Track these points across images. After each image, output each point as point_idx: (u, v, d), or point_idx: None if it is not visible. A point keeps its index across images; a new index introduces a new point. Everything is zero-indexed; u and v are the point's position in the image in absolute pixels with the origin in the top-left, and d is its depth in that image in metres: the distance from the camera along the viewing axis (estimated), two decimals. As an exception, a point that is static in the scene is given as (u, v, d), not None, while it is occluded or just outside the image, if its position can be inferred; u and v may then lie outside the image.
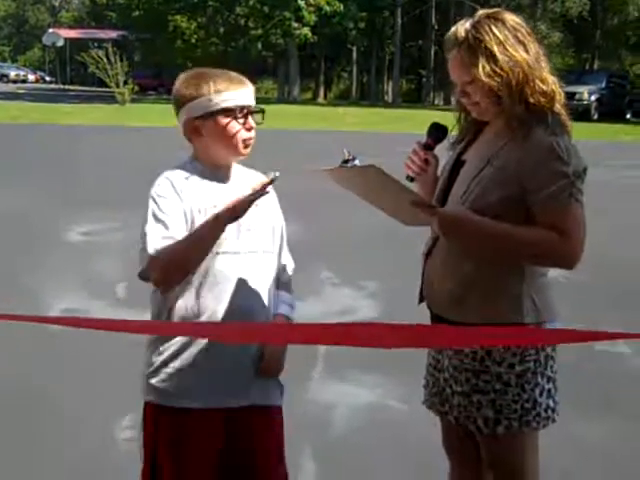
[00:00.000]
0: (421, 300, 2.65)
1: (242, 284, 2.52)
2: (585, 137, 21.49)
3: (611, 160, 16.09)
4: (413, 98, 51.57)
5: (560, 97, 2.43)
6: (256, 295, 2.55)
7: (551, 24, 43.39)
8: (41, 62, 77.85)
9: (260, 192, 2.38)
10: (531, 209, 2.35)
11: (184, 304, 2.51)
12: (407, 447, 3.91)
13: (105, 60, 33.25)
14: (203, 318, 2.50)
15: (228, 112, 2.49)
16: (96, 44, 35.35)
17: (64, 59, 64.28)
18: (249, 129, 2.53)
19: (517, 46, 2.38)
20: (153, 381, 2.57)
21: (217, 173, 2.57)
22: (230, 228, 2.45)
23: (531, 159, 2.33)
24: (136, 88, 35.42)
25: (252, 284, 2.54)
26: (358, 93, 53.43)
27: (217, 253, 2.48)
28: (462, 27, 2.43)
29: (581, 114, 29.92)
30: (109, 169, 13.10)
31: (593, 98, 31.51)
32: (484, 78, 2.37)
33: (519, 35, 2.39)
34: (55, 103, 33.39)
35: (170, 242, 2.39)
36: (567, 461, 3.69)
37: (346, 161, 2.48)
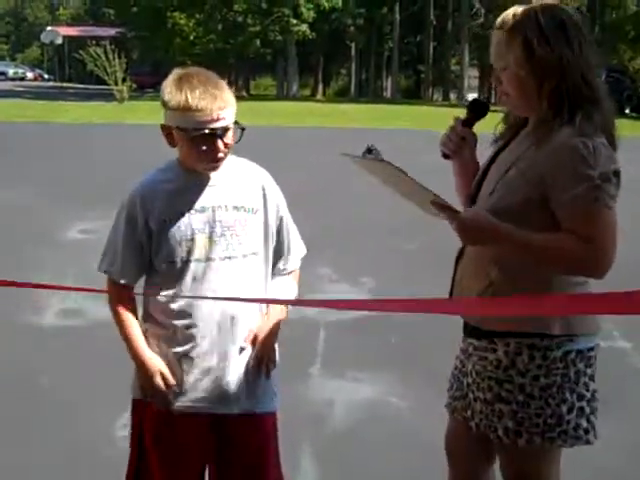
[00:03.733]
0: None
1: (220, 290, 2.49)
2: (584, 132, 21.43)
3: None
4: (412, 94, 51.59)
5: (606, 104, 2.33)
6: (238, 303, 2.52)
7: (550, 19, 43.28)
8: (40, 60, 77.84)
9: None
10: (555, 214, 2.23)
11: (166, 307, 2.52)
12: (405, 443, 3.90)
13: (103, 57, 33.19)
14: (182, 323, 2.50)
15: (185, 131, 2.40)
16: (94, 41, 35.17)
17: (63, 57, 64.35)
18: (209, 151, 2.40)
19: (560, 42, 2.24)
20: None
21: (197, 177, 2.51)
22: (199, 237, 2.47)
23: (554, 161, 2.21)
24: (134, 85, 35.35)
25: (232, 289, 2.50)
26: (357, 89, 53.39)
27: (189, 261, 2.48)
28: (513, 10, 2.31)
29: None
30: (108, 166, 13.07)
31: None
32: (515, 67, 2.28)
33: (568, 33, 2.26)
34: (54, 101, 33.36)
35: (113, 271, 2.55)
36: (563, 458, 3.69)
37: (369, 151, 2.34)
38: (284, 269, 2.69)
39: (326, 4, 41.59)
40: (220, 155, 2.42)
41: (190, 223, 2.47)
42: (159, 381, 2.50)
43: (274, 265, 2.65)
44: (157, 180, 2.53)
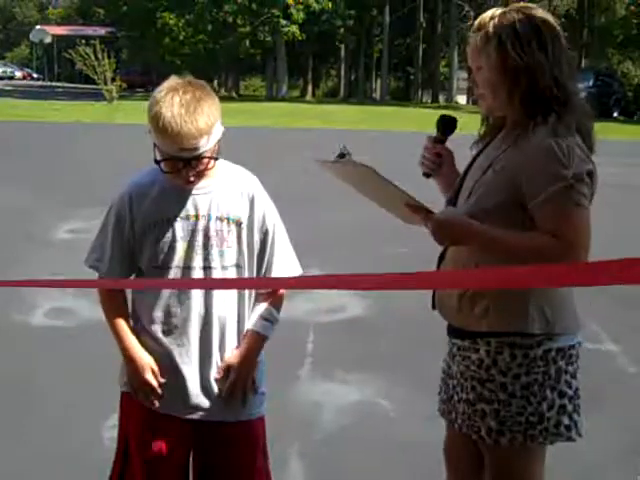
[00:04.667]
0: (434, 305, 2.58)
1: (198, 300, 2.49)
2: (572, 135, 21.52)
3: (597, 158, 16.13)
4: (401, 96, 51.65)
5: (578, 102, 2.37)
6: (217, 309, 2.51)
7: (539, 22, 43.40)
8: (29, 59, 77.54)
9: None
10: (531, 213, 2.27)
11: (148, 311, 2.53)
12: (394, 446, 3.91)
13: (93, 57, 33.11)
14: (162, 328, 2.51)
15: (162, 160, 2.39)
16: (84, 41, 35.04)
17: (52, 56, 64.05)
18: (186, 180, 2.40)
19: (535, 46, 2.29)
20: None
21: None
22: (180, 245, 2.47)
23: (529, 162, 2.26)
24: (124, 85, 35.26)
25: (209, 300, 2.50)
26: (346, 91, 53.37)
27: (169, 267, 2.48)
28: (490, 13, 2.36)
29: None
30: (96, 167, 13.05)
31: (581, 96, 31.53)
32: (488, 69, 2.32)
33: (543, 35, 2.30)
34: (43, 100, 33.25)
35: (101, 268, 2.55)
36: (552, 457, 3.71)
37: (342, 155, 2.36)
38: (263, 292, 2.62)
39: (316, 5, 41.58)
40: (190, 179, 2.40)
41: (173, 229, 2.47)
42: (150, 377, 2.50)
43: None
44: (148, 181, 2.52)
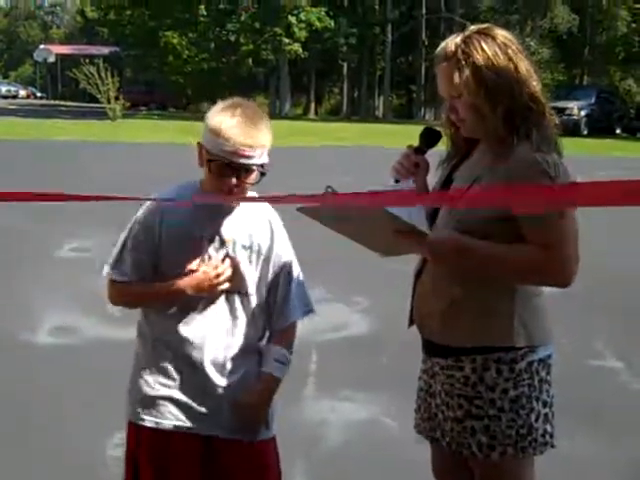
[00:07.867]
0: (411, 323, 2.60)
1: (212, 322, 2.52)
2: (574, 152, 21.60)
3: (600, 175, 16.15)
4: (403, 113, 51.78)
5: (551, 116, 2.40)
6: (229, 332, 2.54)
7: (540, 40, 43.61)
8: (32, 78, 77.89)
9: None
10: (520, 227, 2.31)
11: (162, 331, 2.54)
12: (399, 464, 3.90)
13: (96, 76, 33.23)
14: (179, 347, 2.51)
15: (208, 153, 2.42)
16: (87, 60, 35.16)
17: (55, 75, 64.42)
18: (221, 183, 2.42)
19: (506, 63, 2.33)
20: (134, 401, 2.59)
21: (213, 204, 2.53)
22: (200, 264, 2.48)
23: (516, 175, 2.29)
24: (127, 104, 35.36)
25: (223, 323, 2.52)
26: (349, 108, 53.50)
27: None
28: (452, 41, 2.39)
29: (571, 129, 30.08)
30: (99, 185, 13.07)
31: (583, 113, 31.66)
32: (469, 94, 2.34)
33: (509, 52, 2.35)
34: (46, 119, 33.34)
35: (124, 277, 2.50)
36: (550, 476, 3.69)
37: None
38: (274, 325, 2.65)
39: (318, 24, 41.76)
40: (233, 190, 2.42)
41: (200, 250, 2.49)
42: (204, 282, 2.47)
43: (269, 321, 2.64)
44: (177, 196, 2.55)
